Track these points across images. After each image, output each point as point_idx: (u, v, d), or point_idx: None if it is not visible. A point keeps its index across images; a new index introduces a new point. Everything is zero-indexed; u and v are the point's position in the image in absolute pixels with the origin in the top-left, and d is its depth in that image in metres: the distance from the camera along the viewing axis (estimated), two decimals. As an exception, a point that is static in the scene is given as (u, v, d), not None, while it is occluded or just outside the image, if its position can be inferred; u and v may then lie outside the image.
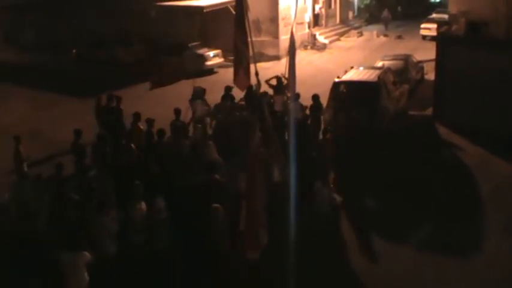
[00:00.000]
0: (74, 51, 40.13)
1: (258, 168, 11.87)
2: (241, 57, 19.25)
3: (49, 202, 13.22)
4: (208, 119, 19.99)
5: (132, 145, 15.95)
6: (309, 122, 19.35)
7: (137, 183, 12.67)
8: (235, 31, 19.29)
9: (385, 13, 53.69)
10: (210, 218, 12.10)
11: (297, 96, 19.35)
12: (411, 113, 24.83)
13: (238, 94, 20.49)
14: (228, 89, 20.31)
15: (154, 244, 12.39)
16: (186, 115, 19.09)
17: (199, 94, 20.35)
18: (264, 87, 21.00)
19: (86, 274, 11.00)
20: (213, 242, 12.13)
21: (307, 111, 19.58)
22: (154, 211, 12.36)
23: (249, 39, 19.15)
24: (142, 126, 17.52)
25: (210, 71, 34.90)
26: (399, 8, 61.99)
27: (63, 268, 10.89)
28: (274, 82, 21.54)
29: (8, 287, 12.74)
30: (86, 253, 11.05)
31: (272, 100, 20.71)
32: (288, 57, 19.20)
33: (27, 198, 13.38)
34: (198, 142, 16.44)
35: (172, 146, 16.16)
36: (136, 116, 17.90)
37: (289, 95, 19.18)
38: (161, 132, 16.24)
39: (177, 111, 18.12)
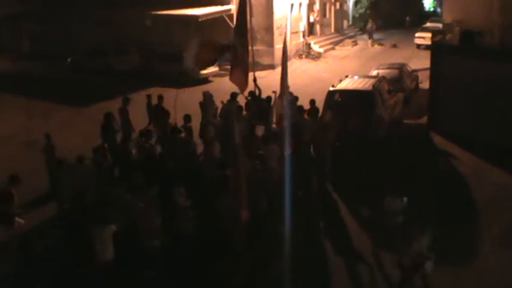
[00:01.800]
0: (69, 60, 40.14)
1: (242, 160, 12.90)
2: (238, 59, 20.10)
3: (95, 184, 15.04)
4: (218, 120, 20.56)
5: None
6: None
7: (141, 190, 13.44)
8: (234, 34, 20.28)
9: (369, 24, 53.34)
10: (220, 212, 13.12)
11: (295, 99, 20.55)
12: (406, 121, 24.85)
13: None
14: (234, 94, 20.83)
15: (181, 228, 13.12)
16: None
17: (209, 98, 21.15)
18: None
19: (111, 244, 12.22)
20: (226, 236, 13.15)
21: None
22: (177, 197, 13.14)
23: (249, 45, 19.71)
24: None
25: (205, 80, 34.92)
26: (408, 18, 62.13)
27: (92, 238, 12.13)
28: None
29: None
30: (113, 226, 12.30)
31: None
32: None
33: (76, 181, 14.92)
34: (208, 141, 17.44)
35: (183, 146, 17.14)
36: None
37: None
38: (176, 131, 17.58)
39: (187, 117, 18.77)
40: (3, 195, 13.76)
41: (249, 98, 21.15)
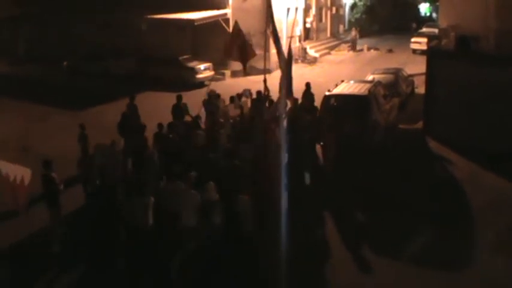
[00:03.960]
0: (65, 63, 40.12)
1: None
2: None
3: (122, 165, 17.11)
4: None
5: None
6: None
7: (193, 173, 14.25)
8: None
9: (353, 33, 52.40)
10: (239, 208, 13.79)
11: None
12: (401, 126, 24.91)
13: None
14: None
15: (211, 221, 13.61)
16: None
17: (213, 97, 22.68)
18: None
19: (150, 214, 13.36)
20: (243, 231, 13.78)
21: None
22: (208, 192, 13.80)
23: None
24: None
25: (201, 84, 34.90)
26: (414, 25, 61.97)
27: (133, 207, 13.44)
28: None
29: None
30: (152, 198, 13.53)
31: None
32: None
33: (106, 161, 16.46)
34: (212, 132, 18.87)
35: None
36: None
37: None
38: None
39: (196, 118, 20.19)
40: (46, 180, 14.59)
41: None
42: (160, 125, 18.63)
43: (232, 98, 22.34)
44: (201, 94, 24.32)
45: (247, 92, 23.34)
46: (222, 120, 20.35)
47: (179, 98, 21.98)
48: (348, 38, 53.12)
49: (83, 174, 16.95)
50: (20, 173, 13.49)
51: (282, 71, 21.16)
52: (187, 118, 20.70)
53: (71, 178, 17.09)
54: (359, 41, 53.28)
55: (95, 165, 16.54)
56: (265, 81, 22.37)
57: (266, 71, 23.40)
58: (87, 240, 14.90)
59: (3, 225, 16.07)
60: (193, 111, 21.55)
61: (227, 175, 14.91)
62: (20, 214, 14.22)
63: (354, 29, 53.38)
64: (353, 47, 50.87)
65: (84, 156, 17.30)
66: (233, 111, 21.50)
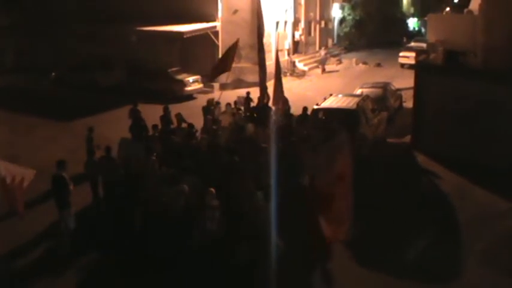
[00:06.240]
0: (53, 74, 39.91)
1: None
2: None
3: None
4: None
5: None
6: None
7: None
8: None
9: (322, 52, 49.58)
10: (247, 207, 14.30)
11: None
12: (389, 140, 24.96)
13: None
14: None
15: (207, 226, 14.11)
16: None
17: (211, 104, 23.68)
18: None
19: (181, 201, 14.51)
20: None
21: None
22: (208, 198, 14.27)
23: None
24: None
25: (190, 96, 34.90)
26: (404, 39, 61.98)
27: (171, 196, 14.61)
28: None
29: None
30: (185, 186, 14.67)
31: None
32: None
33: (130, 153, 18.05)
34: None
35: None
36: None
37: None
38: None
39: (191, 125, 20.45)
40: (57, 180, 14.73)
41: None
42: (163, 128, 20.08)
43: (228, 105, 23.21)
44: (188, 107, 24.30)
45: (240, 100, 23.77)
46: (215, 127, 20.67)
47: (166, 109, 22.22)
48: (336, 52, 52.72)
49: (89, 174, 17.53)
50: (19, 174, 13.37)
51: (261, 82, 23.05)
52: (184, 125, 21.07)
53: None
54: (348, 55, 53.44)
55: (120, 156, 17.91)
56: (266, 89, 23.31)
57: (255, 84, 24.16)
58: (104, 233, 15.64)
59: (7, 226, 16.22)
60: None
61: (230, 171, 15.73)
62: (18, 215, 14.30)
63: (323, 48, 51.18)
64: (322, 69, 47.38)
65: (90, 157, 17.78)
66: (226, 119, 22.04)
